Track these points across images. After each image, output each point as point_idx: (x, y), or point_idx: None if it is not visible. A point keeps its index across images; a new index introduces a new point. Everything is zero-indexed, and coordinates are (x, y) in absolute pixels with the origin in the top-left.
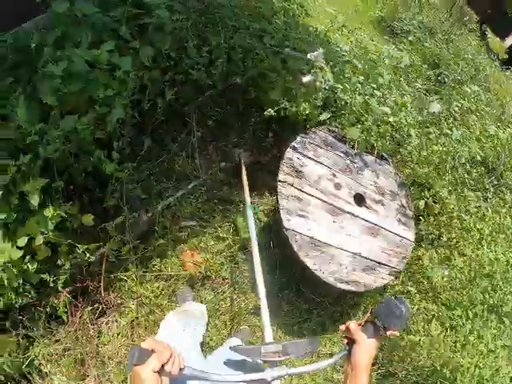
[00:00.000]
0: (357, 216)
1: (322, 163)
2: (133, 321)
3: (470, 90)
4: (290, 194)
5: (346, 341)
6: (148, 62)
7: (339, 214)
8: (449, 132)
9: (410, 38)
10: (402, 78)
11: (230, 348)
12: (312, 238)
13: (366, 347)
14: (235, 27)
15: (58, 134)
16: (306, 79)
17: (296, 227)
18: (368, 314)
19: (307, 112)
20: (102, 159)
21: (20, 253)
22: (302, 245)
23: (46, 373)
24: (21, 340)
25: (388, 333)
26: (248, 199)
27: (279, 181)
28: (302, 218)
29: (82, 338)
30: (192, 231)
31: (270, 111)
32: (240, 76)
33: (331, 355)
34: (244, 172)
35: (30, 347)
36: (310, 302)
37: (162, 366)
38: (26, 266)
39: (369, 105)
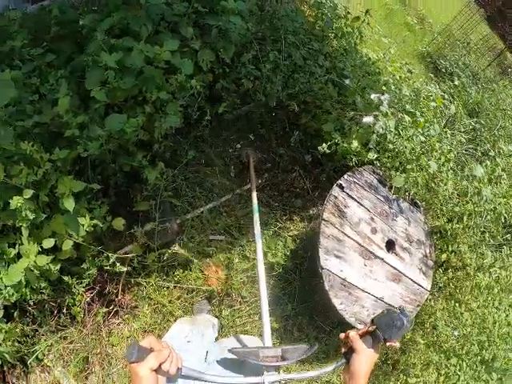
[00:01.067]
0: (385, 262)
1: (363, 206)
2: (145, 326)
3: (505, 149)
4: (331, 233)
5: (344, 349)
6: (206, 67)
7: (371, 258)
8: (484, 193)
9: (455, 82)
10: (447, 129)
11: (229, 350)
12: (343, 279)
13: (366, 357)
14: (295, 44)
15: (103, 133)
16: (365, 119)
17: (331, 267)
18: (368, 324)
19: (357, 150)
20: (143, 164)
21: (46, 259)
22: (333, 285)
23: (49, 366)
24: (27, 331)
25: (387, 344)
26: (255, 200)
27: (323, 219)
28: (337, 259)
29: (92, 337)
30: (219, 246)
31: (324, 147)
32: (294, 98)
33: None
34: (252, 170)
35: (36, 340)
36: (319, 330)
37: (160, 364)
38: (48, 267)
39: (416, 153)
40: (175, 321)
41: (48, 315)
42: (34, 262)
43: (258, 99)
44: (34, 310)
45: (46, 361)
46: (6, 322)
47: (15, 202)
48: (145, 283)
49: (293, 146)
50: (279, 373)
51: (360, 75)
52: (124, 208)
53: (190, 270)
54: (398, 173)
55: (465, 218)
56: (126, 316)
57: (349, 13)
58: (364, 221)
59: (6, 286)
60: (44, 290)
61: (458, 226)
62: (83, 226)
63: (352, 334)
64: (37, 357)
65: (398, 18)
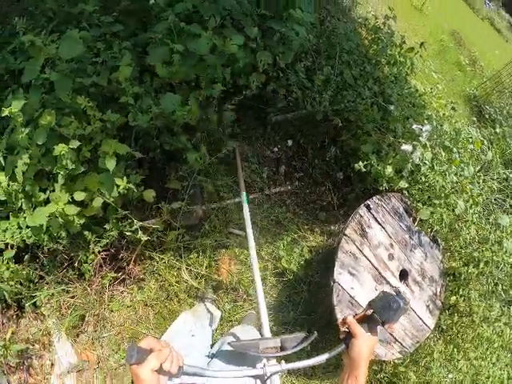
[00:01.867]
0: (397, 291)
1: (386, 230)
2: (147, 300)
3: None
4: (349, 249)
5: (343, 335)
6: (262, 67)
7: (382, 283)
8: (505, 244)
9: (497, 130)
10: (481, 174)
11: (229, 343)
12: (352, 297)
13: (365, 341)
14: (348, 63)
15: (156, 110)
16: (404, 147)
17: (343, 282)
18: (365, 308)
19: (390, 176)
20: (187, 146)
21: (75, 210)
22: (341, 300)
23: (44, 315)
24: (32, 277)
25: (386, 326)
26: (243, 189)
27: (344, 234)
28: (351, 276)
29: (94, 298)
30: (237, 240)
31: (361, 165)
32: (339, 114)
33: (328, 350)
34: (239, 163)
35: (39, 287)
36: (314, 346)
37: (161, 364)
38: (73, 218)
39: (446, 191)
40: (178, 303)
41: (57, 266)
42: (62, 209)
43: (304, 109)
44: (45, 258)
45: (42, 309)
46: (15, 263)
47: (60, 149)
48: (158, 259)
49: (327, 161)
50: (280, 363)
51: (405, 104)
52: (155, 183)
53: (204, 257)
54: (425, 206)
55: (481, 265)
56: (132, 286)
57: (404, 42)
58: (383, 245)
59: (27, 227)
60: (61, 241)
61: (473, 270)
62: (118, 187)
63: (349, 318)
64: (35, 303)
65: (450, 56)
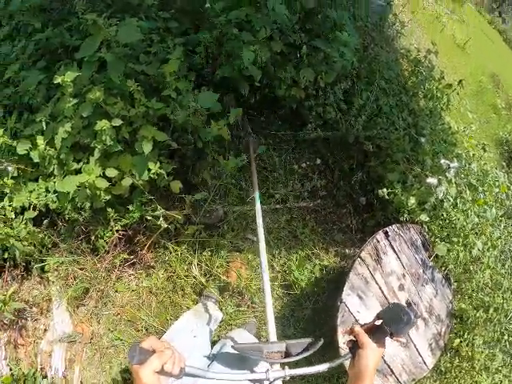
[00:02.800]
0: None
1: (400, 260)
2: (153, 288)
3: None
4: (362, 272)
5: (349, 345)
6: (303, 84)
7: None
8: None
9: None
10: (503, 219)
11: (233, 347)
12: (357, 320)
13: (372, 351)
14: (386, 91)
15: (194, 104)
16: (430, 180)
17: (350, 304)
18: (374, 318)
19: (412, 207)
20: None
21: (105, 184)
22: (345, 321)
23: (49, 280)
24: (46, 242)
25: (394, 339)
26: (256, 186)
27: (359, 256)
28: (359, 299)
29: (102, 274)
30: (251, 247)
31: (385, 192)
32: (370, 140)
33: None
34: (253, 159)
35: (50, 253)
36: (307, 362)
37: (163, 365)
38: (100, 193)
39: (465, 230)
40: (182, 297)
41: (73, 237)
42: (93, 181)
43: (337, 130)
44: (63, 227)
45: (49, 274)
46: (33, 225)
47: (102, 124)
48: (171, 249)
49: (352, 184)
50: (284, 368)
51: (436, 139)
52: (182, 177)
53: (217, 257)
54: (442, 242)
55: (490, 310)
56: (141, 271)
57: (443, 78)
58: (396, 274)
59: (54, 192)
60: (83, 212)
61: (481, 315)
62: (149, 171)
63: (357, 328)
64: (43, 267)
65: (487, 97)
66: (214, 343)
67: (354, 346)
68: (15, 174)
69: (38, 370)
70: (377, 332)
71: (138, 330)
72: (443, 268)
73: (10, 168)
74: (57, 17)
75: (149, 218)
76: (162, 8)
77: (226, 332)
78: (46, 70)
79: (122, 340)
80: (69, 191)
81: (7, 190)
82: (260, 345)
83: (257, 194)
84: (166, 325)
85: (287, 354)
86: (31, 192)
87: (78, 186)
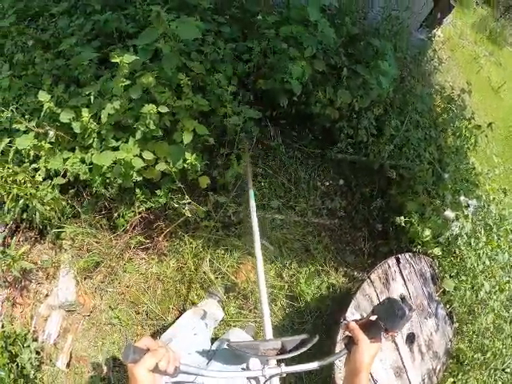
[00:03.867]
0: (398, 350)
1: (408, 288)
2: (161, 275)
3: None
4: (369, 293)
5: (345, 341)
6: (339, 104)
7: (388, 339)
8: None
9: None
10: None
11: (227, 345)
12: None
13: (367, 347)
14: (416, 123)
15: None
16: (447, 213)
17: None
18: (369, 314)
19: (426, 239)
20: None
21: (140, 163)
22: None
23: (62, 248)
24: (68, 211)
25: (389, 334)
26: (251, 184)
27: (369, 277)
28: None
29: (115, 251)
30: (265, 253)
31: (401, 220)
32: (394, 168)
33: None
34: (248, 156)
35: (69, 222)
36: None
37: (157, 364)
38: (131, 173)
39: (475, 270)
40: (187, 289)
41: (96, 211)
42: (130, 160)
43: (364, 155)
44: (88, 200)
45: (63, 242)
46: (59, 192)
47: (149, 108)
48: (187, 241)
49: (371, 209)
50: (280, 365)
51: (459, 177)
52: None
53: (229, 257)
54: (451, 279)
55: (488, 354)
56: (153, 257)
57: (473, 118)
58: None
59: (90, 164)
60: (110, 189)
61: (479, 357)
62: (185, 161)
63: (352, 324)
64: (59, 234)
65: None
66: (213, 339)
67: (350, 342)
68: (53, 140)
69: (31, 332)
70: (372, 327)
71: (138, 313)
72: (448, 305)
73: (51, 132)
74: (113, 2)
75: (175, 205)
76: (217, 12)
77: (223, 332)
78: (99, 50)
79: (120, 320)
80: (104, 165)
81: (43, 153)
82: (256, 343)
83: (251, 192)
84: (166, 313)
85: (283, 351)
86: (65, 160)
87: (114, 162)
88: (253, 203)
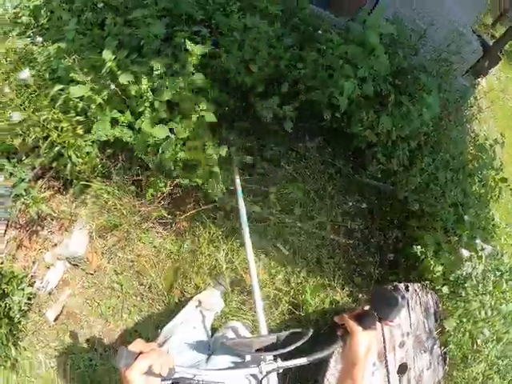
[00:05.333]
0: (388, 378)
1: (410, 318)
2: (171, 254)
3: None
4: None
5: (340, 332)
6: (379, 130)
7: (382, 363)
8: None
9: None
10: None
11: (222, 343)
12: None
13: (362, 338)
14: (446, 164)
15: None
16: (462, 251)
17: None
18: (362, 304)
19: (437, 275)
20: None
21: (194, 145)
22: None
23: (83, 202)
24: (99, 169)
25: (383, 323)
26: (239, 189)
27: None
28: None
29: (136, 218)
30: (279, 256)
31: (417, 249)
32: (417, 202)
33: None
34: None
35: (98, 181)
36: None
37: (150, 367)
38: (179, 150)
39: (476, 317)
40: (197, 274)
41: (127, 175)
42: (181, 138)
43: (392, 184)
44: (122, 163)
45: (87, 197)
46: (97, 149)
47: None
48: (207, 227)
49: (386, 238)
50: (276, 361)
51: (477, 223)
52: None
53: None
54: (453, 318)
55: None
56: (170, 234)
57: (502, 170)
58: (402, 329)
59: (138, 130)
60: (150, 157)
61: None
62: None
63: (346, 315)
64: (84, 188)
65: None
66: (212, 330)
67: (345, 334)
68: (105, 97)
69: (29, 276)
70: (365, 318)
71: (142, 285)
72: (444, 346)
73: (112, 86)
74: None
75: (209, 190)
76: (281, 19)
77: (219, 324)
78: (166, 27)
79: (122, 286)
80: (154, 136)
81: (93, 107)
82: (251, 339)
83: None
84: (169, 291)
85: (278, 346)
86: (113, 119)
87: (168, 136)
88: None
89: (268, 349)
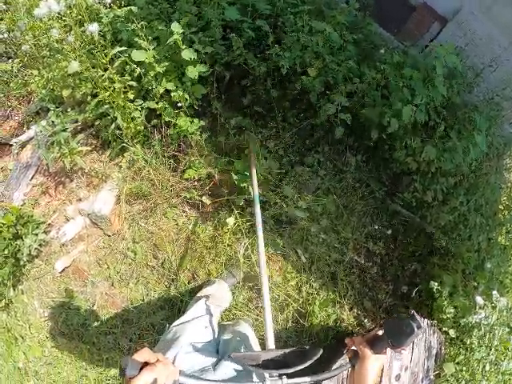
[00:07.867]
0: None
1: (412, 353)
2: (189, 235)
3: None
4: None
5: (350, 355)
6: (421, 160)
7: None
8: None
9: None
10: None
11: (229, 356)
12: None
13: (372, 362)
14: (478, 207)
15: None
16: (478, 298)
17: None
18: (376, 328)
19: (448, 316)
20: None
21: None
22: (340, 377)
23: (120, 164)
24: (141, 136)
25: (395, 349)
26: (256, 188)
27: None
28: None
29: (166, 192)
30: (297, 262)
31: (434, 285)
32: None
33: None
34: (253, 158)
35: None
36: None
37: (155, 379)
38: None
39: (475, 368)
40: (213, 260)
41: (170, 148)
42: None
43: (422, 216)
44: (165, 138)
45: (123, 161)
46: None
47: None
48: (233, 217)
49: (405, 269)
50: (281, 378)
51: (497, 274)
52: None
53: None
54: (453, 364)
55: None
56: (195, 216)
57: None
58: (401, 362)
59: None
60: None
61: None
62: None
63: (359, 339)
64: (123, 152)
65: None
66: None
67: (355, 356)
68: (164, 68)
69: (46, 224)
70: (378, 342)
71: (155, 258)
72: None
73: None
74: None
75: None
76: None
77: (229, 316)
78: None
79: (135, 255)
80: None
81: (152, 74)
82: (258, 353)
83: (256, 197)
84: (180, 271)
85: (285, 364)
86: (167, 91)
87: None
88: (258, 209)
89: (275, 364)
